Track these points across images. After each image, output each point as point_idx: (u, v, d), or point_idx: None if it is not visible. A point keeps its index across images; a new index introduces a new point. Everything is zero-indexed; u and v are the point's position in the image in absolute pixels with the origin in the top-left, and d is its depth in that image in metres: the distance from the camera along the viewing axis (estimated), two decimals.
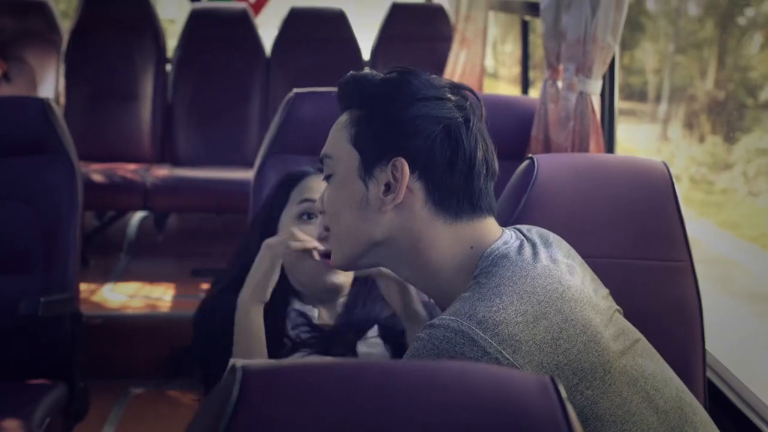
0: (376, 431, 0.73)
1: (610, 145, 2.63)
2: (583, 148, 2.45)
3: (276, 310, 1.66)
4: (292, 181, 1.79)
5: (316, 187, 1.73)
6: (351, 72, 1.34)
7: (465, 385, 0.77)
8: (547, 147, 2.59)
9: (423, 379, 0.77)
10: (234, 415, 0.72)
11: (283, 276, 1.71)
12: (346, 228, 1.29)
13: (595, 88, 2.46)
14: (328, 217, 1.33)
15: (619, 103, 2.68)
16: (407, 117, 1.26)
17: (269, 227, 1.75)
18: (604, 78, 2.54)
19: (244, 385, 0.74)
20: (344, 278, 1.70)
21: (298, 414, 0.73)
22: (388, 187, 1.26)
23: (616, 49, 2.51)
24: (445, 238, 1.27)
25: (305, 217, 1.72)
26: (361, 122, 1.29)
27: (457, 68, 4.02)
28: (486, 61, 4.21)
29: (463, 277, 1.25)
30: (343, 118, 1.32)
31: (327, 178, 1.33)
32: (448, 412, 0.74)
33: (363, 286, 1.76)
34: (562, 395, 0.77)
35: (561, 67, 2.62)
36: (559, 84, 2.62)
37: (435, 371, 0.79)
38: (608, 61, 2.47)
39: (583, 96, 2.46)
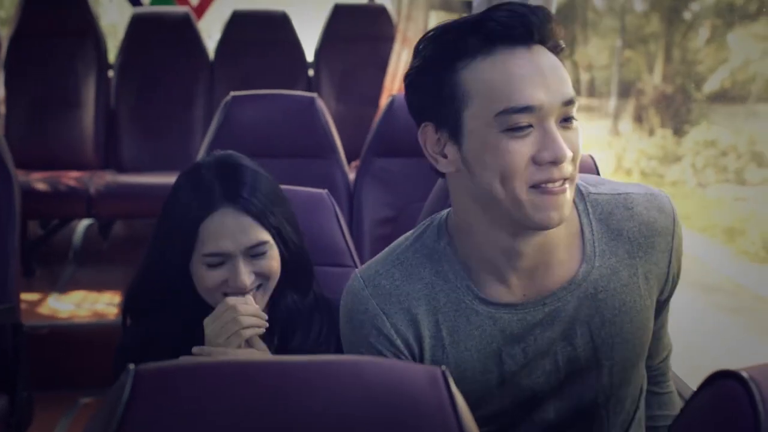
0: (268, 428, 0.74)
1: None
2: None
3: (193, 331, 1.58)
4: (197, 217, 1.57)
5: (222, 230, 1.56)
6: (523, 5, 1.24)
7: (357, 380, 0.78)
8: None
9: (316, 374, 0.78)
10: (124, 415, 0.73)
11: (192, 292, 1.63)
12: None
13: None
14: (573, 162, 1.22)
15: None
16: None
17: (177, 271, 1.60)
18: None
19: (135, 386, 0.74)
20: None
21: (189, 413, 0.74)
22: None
23: None
24: None
25: (216, 264, 1.58)
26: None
27: (399, 67, 4.04)
28: None
29: None
30: (555, 58, 1.24)
31: (571, 120, 1.22)
32: (339, 406, 0.75)
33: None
34: (451, 386, 0.78)
35: None
36: None
37: (328, 367, 0.80)
38: None
39: None
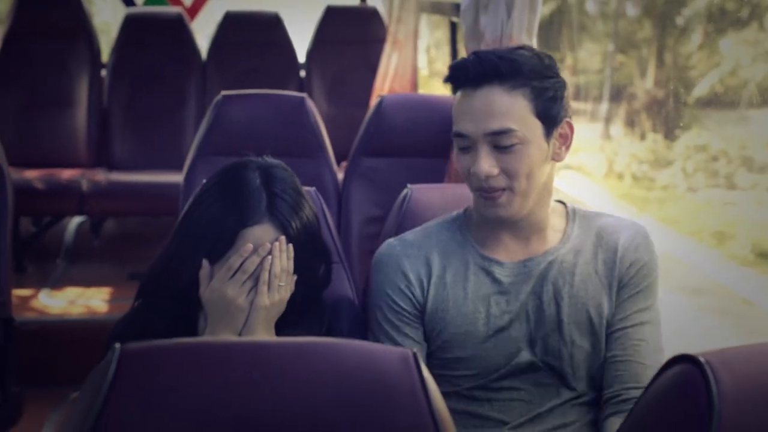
0: (246, 406, 0.78)
1: None
2: None
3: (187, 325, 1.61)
4: (237, 225, 1.58)
5: (260, 243, 1.57)
6: (494, 50, 1.62)
7: (331, 361, 0.82)
8: None
9: (292, 356, 0.82)
10: (109, 393, 0.76)
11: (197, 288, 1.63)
12: (536, 183, 1.59)
13: None
14: (515, 179, 1.58)
15: None
16: (559, 85, 1.61)
17: (197, 267, 1.60)
18: None
19: (120, 365, 0.77)
20: None
21: (171, 391, 0.77)
22: (564, 140, 1.61)
23: (534, 45, 2.58)
24: None
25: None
26: (537, 95, 1.57)
27: (389, 69, 4.07)
28: (427, 63, 4.27)
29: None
30: (506, 95, 1.57)
31: (508, 147, 1.56)
32: (314, 387, 0.79)
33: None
34: (421, 368, 0.82)
35: None
36: None
37: (304, 348, 0.83)
38: None
39: None
